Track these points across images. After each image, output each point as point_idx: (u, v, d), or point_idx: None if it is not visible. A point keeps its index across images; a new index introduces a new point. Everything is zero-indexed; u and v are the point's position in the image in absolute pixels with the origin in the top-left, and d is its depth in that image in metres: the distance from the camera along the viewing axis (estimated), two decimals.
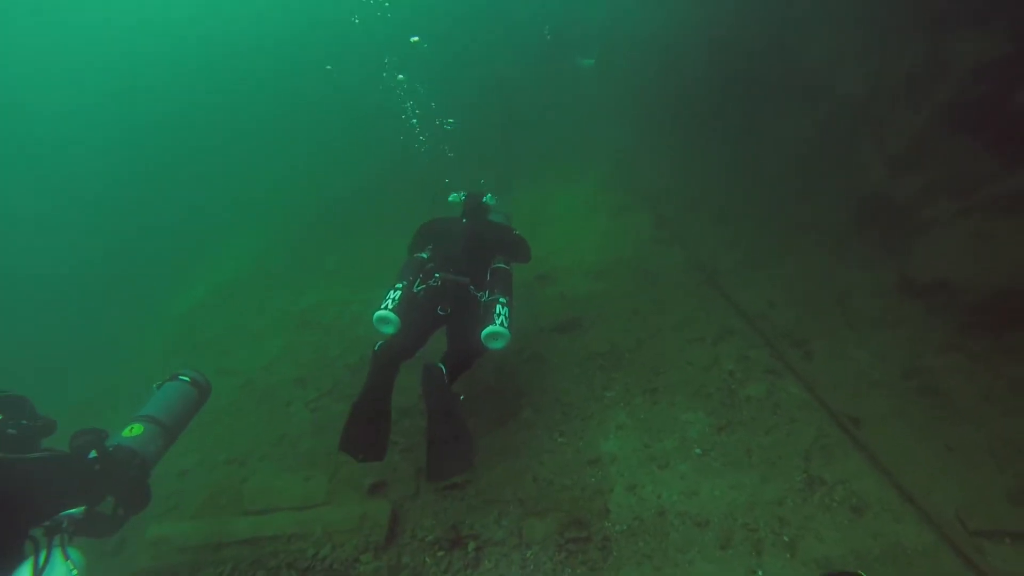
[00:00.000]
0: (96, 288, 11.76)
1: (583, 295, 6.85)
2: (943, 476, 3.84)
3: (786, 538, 3.66)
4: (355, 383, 6.06)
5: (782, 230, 6.80)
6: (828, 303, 5.69)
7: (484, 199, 5.58)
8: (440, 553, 3.85)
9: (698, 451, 4.42)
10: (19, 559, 2.22)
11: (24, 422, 2.55)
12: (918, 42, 5.18)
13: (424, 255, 4.93)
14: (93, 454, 2.62)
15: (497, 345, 4.35)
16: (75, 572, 2.34)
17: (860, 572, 1.59)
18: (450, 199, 5.73)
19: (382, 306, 4.44)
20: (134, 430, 3.01)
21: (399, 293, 4.54)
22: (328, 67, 13.11)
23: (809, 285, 6.02)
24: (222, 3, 18.26)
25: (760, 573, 3.50)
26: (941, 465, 3.92)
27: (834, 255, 6.13)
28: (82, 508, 2.52)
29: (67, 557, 2.33)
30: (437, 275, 4.54)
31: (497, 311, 4.40)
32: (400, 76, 9.16)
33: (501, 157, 6.39)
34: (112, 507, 2.74)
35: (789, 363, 5.09)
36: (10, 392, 2.68)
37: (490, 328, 4.29)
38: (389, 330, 4.46)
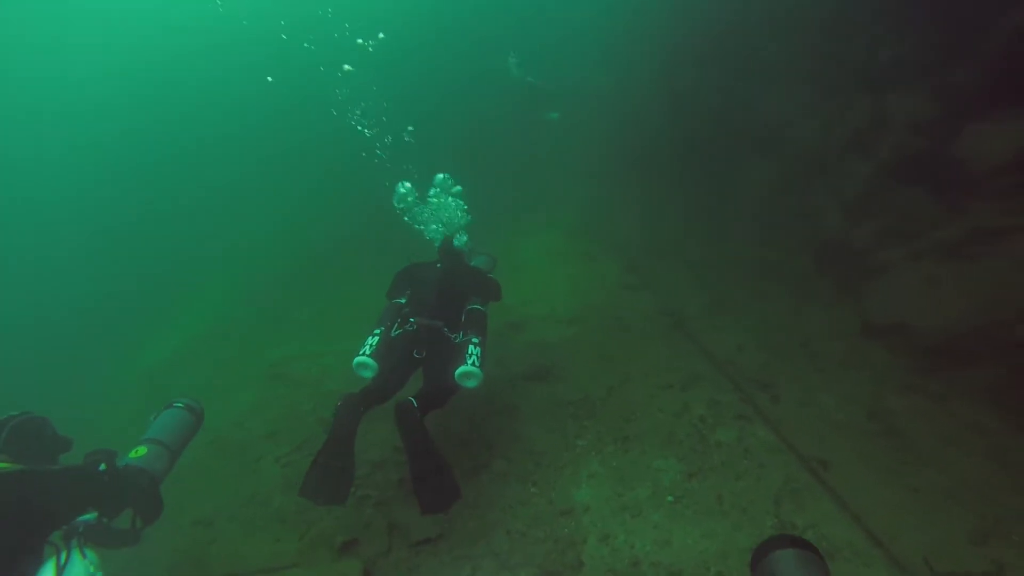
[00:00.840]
0: (62, 340, 11.50)
1: (554, 342, 6.91)
2: (909, 519, 3.90)
3: None
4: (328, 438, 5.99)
5: (747, 275, 6.98)
6: (793, 346, 5.82)
7: (455, 242, 5.74)
8: None
9: (670, 499, 4.43)
10: (41, 559, 2.57)
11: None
12: (863, 99, 5.48)
13: (402, 300, 5.10)
14: (103, 467, 3.03)
15: (470, 384, 4.53)
16: (92, 568, 2.72)
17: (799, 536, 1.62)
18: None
19: (361, 352, 4.62)
20: (139, 451, 3.39)
21: (377, 339, 4.73)
22: (269, 79, 13.06)
23: (775, 328, 6.15)
24: (190, 49, 18.37)
25: None
26: (907, 508, 3.98)
27: (797, 299, 6.30)
28: (94, 515, 2.90)
29: (84, 556, 2.72)
30: (412, 320, 4.75)
31: (470, 351, 4.58)
32: (347, 67, 9.10)
33: (469, 204, 6.55)
34: (131, 520, 3.17)
35: (758, 407, 5.17)
36: (31, 413, 3.13)
37: (462, 368, 4.47)
38: (368, 375, 4.63)
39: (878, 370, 5.15)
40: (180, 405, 3.84)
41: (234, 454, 6.15)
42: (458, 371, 4.49)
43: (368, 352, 4.62)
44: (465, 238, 5.86)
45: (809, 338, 5.79)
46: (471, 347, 4.64)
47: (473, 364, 4.51)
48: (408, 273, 5.38)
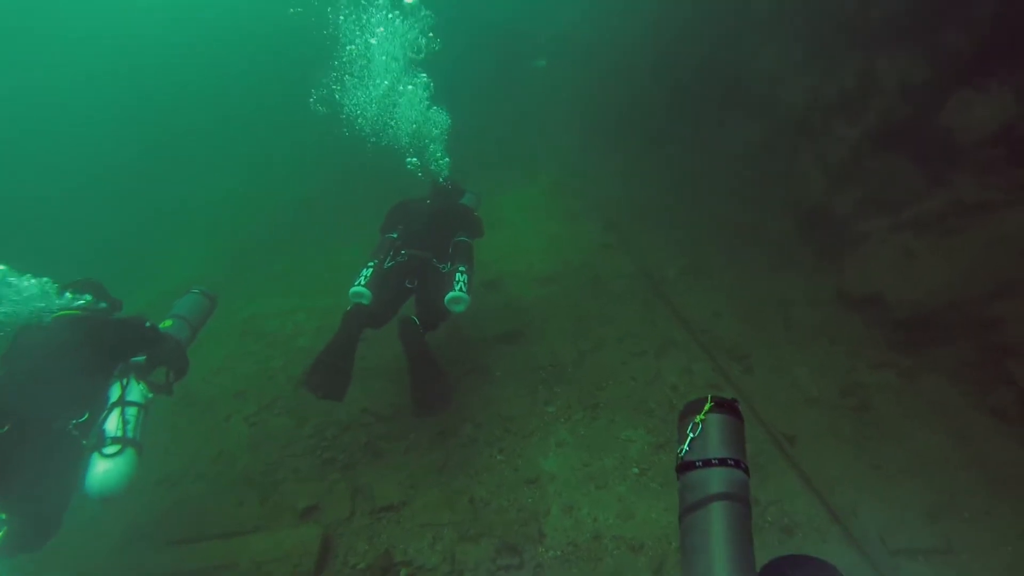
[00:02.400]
0: None
1: (529, 302, 6.81)
2: (869, 494, 3.92)
3: None
4: (297, 397, 5.94)
5: (727, 239, 6.87)
6: (770, 314, 5.76)
7: (440, 179, 6.06)
8: None
9: (636, 470, 4.43)
10: (110, 381, 3.48)
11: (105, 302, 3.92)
12: (853, 60, 5.26)
13: (394, 235, 5.34)
14: (148, 323, 3.93)
15: (458, 308, 4.88)
16: (146, 391, 3.61)
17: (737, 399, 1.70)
18: None
19: (356, 283, 4.89)
20: (166, 323, 4.34)
21: (371, 270, 5.00)
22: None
23: (752, 295, 6.08)
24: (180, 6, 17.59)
25: None
26: (868, 484, 4.00)
27: (776, 265, 6.22)
28: (143, 358, 3.77)
29: (138, 383, 3.57)
30: (404, 251, 5.08)
31: (457, 278, 4.92)
32: None
33: (450, 157, 6.41)
34: (165, 375, 4.00)
35: (730, 378, 5.14)
36: (88, 278, 4.00)
37: (451, 294, 4.83)
38: (364, 303, 4.87)
39: (853, 343, 5.11)
40: (196, 291, 4.78)
41: (203, 411, 6.09)
42: (447, 296, 4.82)
43: (363, 283, 4.88)
44: (446, 173, 6.13)
45: (786, 306, 5.72)
46: (458, 275, 4.95)
47: (460, 290, 4.83)
48: (400, 209, 5.60)
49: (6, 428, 2.94)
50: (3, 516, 2.87)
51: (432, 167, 6.26)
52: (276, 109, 14.98)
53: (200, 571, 3.91)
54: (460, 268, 5.04)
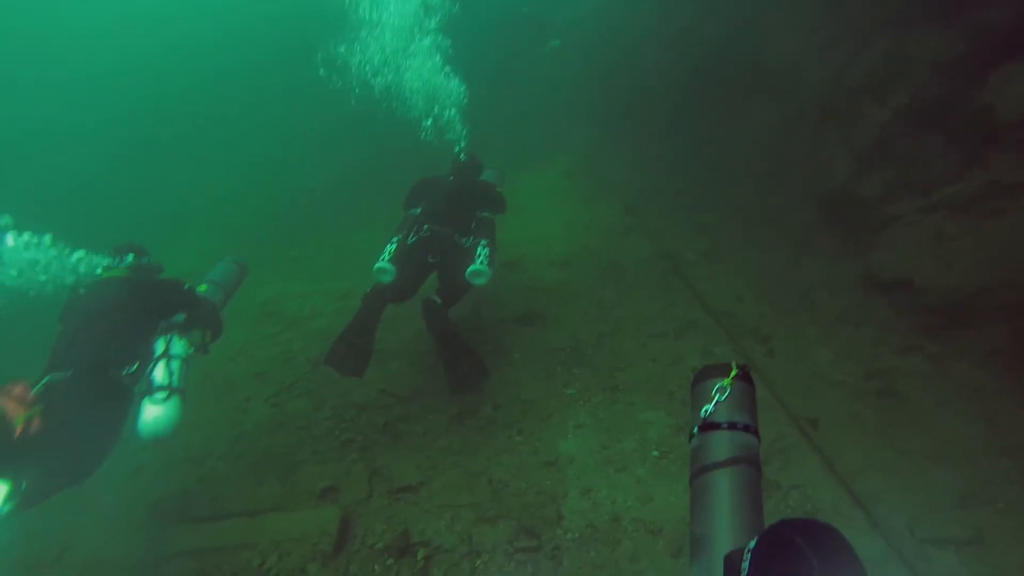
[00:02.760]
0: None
1: (548, 285, 6.76)
2: (896, 481, 3.83)
3: None
4: (316, 379, 5.96)
5: (748, 223, 6.75)
6: (793, 298, 5.66)
7: (461, 157, 6.06)
8: (389, 561, 3.77)
9: (656, 453, 4.38)
10: (155, 337, 3.85)
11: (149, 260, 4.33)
12: (881, 38, 5.09)
13: (417, 211, 5.40)
14: (188, 286, 4.29)
15: (479, 281, 4.96)
16: (188, 346, 3.97)
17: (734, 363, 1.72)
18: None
19: (380, 258, 4.95)
20: (202, 288, 4.63)
21: (394, 246, 5.06)
22: None
23: (774, 279, 5.98)
24: None
25: None
26: (895, 470, 3.91)
27: (799, 249, 6.09)
28: (183, 316, 4.10)
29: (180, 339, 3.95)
30: (426, 227, 5.16)
31: (478, 252, 4.99)
32: None
33: (467, 142, 6.39)
34: (201, 335, 4.30)
35: (752, 361, 5.06)
36: (131, 242, 4.34)
37: (472, 267, 4.90)
38: (387, 279, 4.98)
39: (878, 328, 4.99)
40: (229, 259, 5.20)
41: (223, 392, 6.13)
42: (468, 270, 4.90)
43: (387, 258, 4.95)
44: (463, 144, 6.22)
45: (809, 290, 5.61)
46: (480, 248, 5.02)
47: (481, 263, 4.90)
48: (422, 185, 5.64)
49: (69, 373, 3.37)
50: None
51: (448, 135, 6.37)
52: (287, 93, 15.00)
53: (221, 549, 3.94)
54: (482, 242, 5.11)
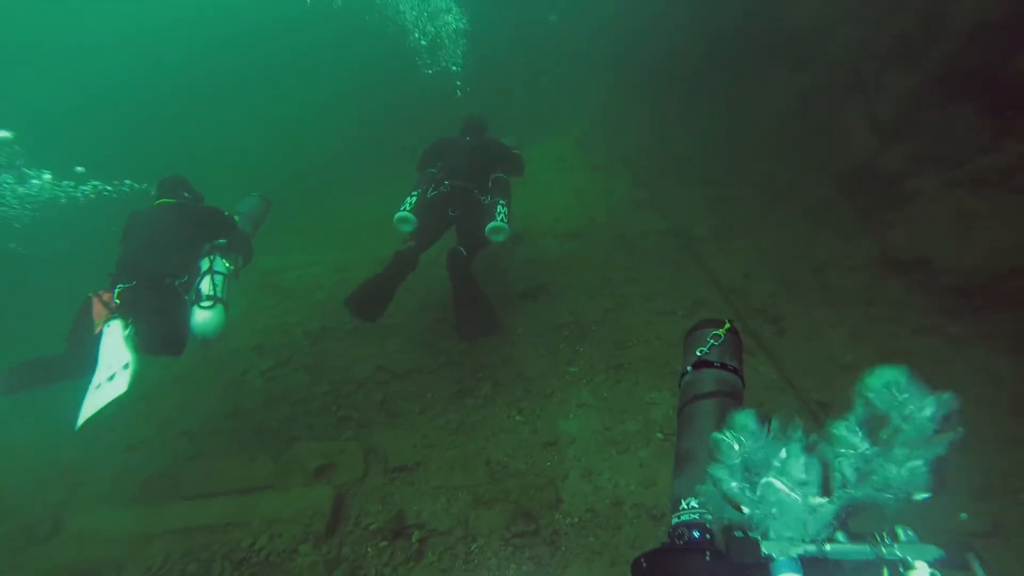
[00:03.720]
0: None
1: (554, 258, 6.58)
2: None
3: None
4: (314, 353, 5.87)
5: (762, 197, 6.50)
6: (805, 276, 5.45)
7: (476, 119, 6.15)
8: (383, 543, 3.67)
9: (660, 435, 4.23)
10: (200, 257, 4.39)
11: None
12: (914, 4, 4.76)
13: (433, 170, 5.55)
14: (228, 213, 4.87)
15: (498, 238, 5.16)
16: (230, 265, 4.47)
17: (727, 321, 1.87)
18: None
19: (401, 208, 5.17)
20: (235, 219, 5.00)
21: (415, 198, 5.26)
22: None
23: (787, 256, 5.77)
24: None
25: None
26: None
27: (814, 225, 5.86)
28: (224, 240, 4.64)
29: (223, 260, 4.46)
30: (447, 182, 5.31)
31: (498, 210, 5.15)
32: None
33: (474, 109, 6.24)
34: (234, 260, 4.65)
35: (761, 341, 4.88)
36: (177, 175, 4.99)
37: (492, 223, 5.06)
38: (407, 228, 5.22)
39: (894, 308, 4.78)
40: (255, 195, 5.68)
41: (220, 365, 6.04)
42: (489, 226, 5.06)
43: (408, 208, 5.15)
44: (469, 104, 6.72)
45: (823, 268, 5.39)
46: (499, 207, 5.18)
47: (502, 220, 5.07)
48: (437, 146, 5.77)
49: (134, 283, 4.02)
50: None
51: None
52: (293, 64, 14.72)
53: (211, 527, 3.85)
54: (500, 201, 5.25)
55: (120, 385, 3.58)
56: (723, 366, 1.72)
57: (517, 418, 4.63)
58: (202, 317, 4.11)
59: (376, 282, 5.12)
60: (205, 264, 4.37)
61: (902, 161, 4.94)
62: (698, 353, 1.77)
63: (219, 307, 4.19)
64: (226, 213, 4.86)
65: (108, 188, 6.67)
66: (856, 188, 5.48)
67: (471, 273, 5.21)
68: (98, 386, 3.64)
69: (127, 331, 3.79)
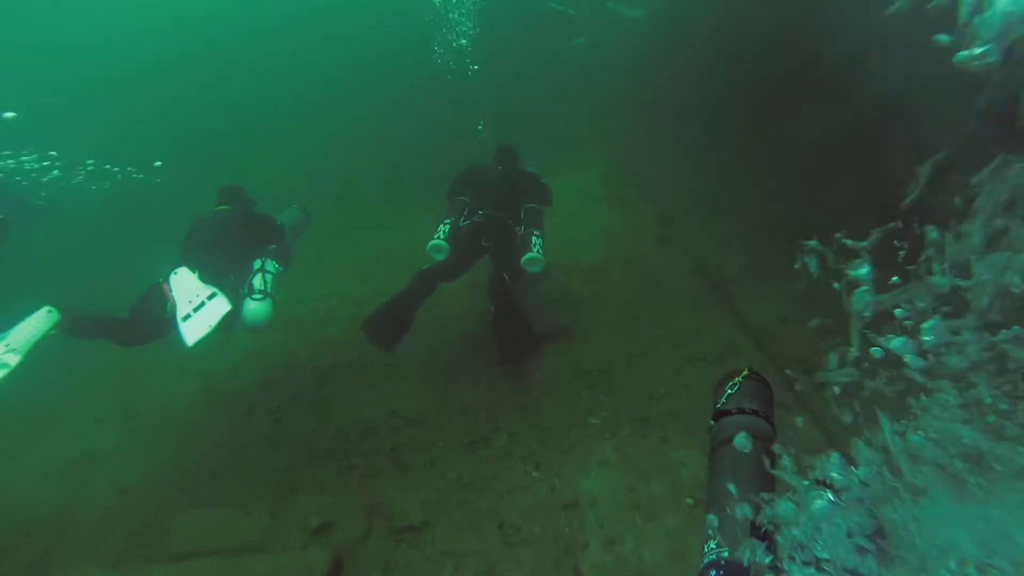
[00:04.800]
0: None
1: (577, 298, 6.25)
2: None
3: None
4: (323, 393, 5.59)
5: (798, 237, 6.13)
6: (845, 322, 5.05)
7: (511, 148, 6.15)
8: None
9: (690, 501, 3.85)
10: (252, 261, 4.90)
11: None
12: None
13: (466, 199, 5.52)
14: (279, 222, 5.53)
15: (535, 269, 5.13)
16: (279, 267, 5.04)
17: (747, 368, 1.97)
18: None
19: (435, 236, 5.19)
20: None
21: (448, 227, 5.26)
22: None
23: (826, 302, 5.37)
24: None
25: None
26: None
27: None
28: (274, 246, 5.17)
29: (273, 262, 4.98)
30: (480, 212, 5.28)
31: (533, 241, 5.13)
32: None
33: (496, 139, 6.09)
34: (276, 267, 5.03)
35: (800, 395, 4.49)
36: (233, 184, 5.62)
37: (528, 255, 5.05)
38: (440, 257, 5.23)
39: None
40: (296, 206, 6.15)
41: (225, 403, 5.79)
42: (525, 257, 5.04)
43: (442, 237, 5.18)
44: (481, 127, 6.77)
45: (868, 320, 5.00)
46: (533, 238, 5.15)
47: (538, 251, 5.05)
48: (468, 175, 5.75)
49: (197, 273, 4.53)
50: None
51: None
52: (309, 89, 14.78)
53: None
54: (535, 232, 5.21)
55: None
56: (740, 411, 1.77)
57: (534, 474, 4.28)
58: (252, 308, 4.64)
59: (394, 303, 5.06)
60: (257, 264, 4.90)
61: (964, 206, 4.55)
62: (718, 406, 1.85)
63: (268, 300, 4.73)
64: (278, 221, 5.48)
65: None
66: (901, 232, 5.10)
67: (514, 299, 5.16)
68: (186, 316, 4.23)
69: (195, 273, 4.47)
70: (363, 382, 5.62)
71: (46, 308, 4.22)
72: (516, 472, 4.31)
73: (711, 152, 7.95)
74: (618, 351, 5.33)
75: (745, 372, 1.94)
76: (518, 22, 12.03)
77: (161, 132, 14.09)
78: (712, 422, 1.82)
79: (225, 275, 4.65)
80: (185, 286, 4.40)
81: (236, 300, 4.61)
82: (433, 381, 5.36)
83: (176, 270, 4.52)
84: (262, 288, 4.74)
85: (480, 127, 9.43)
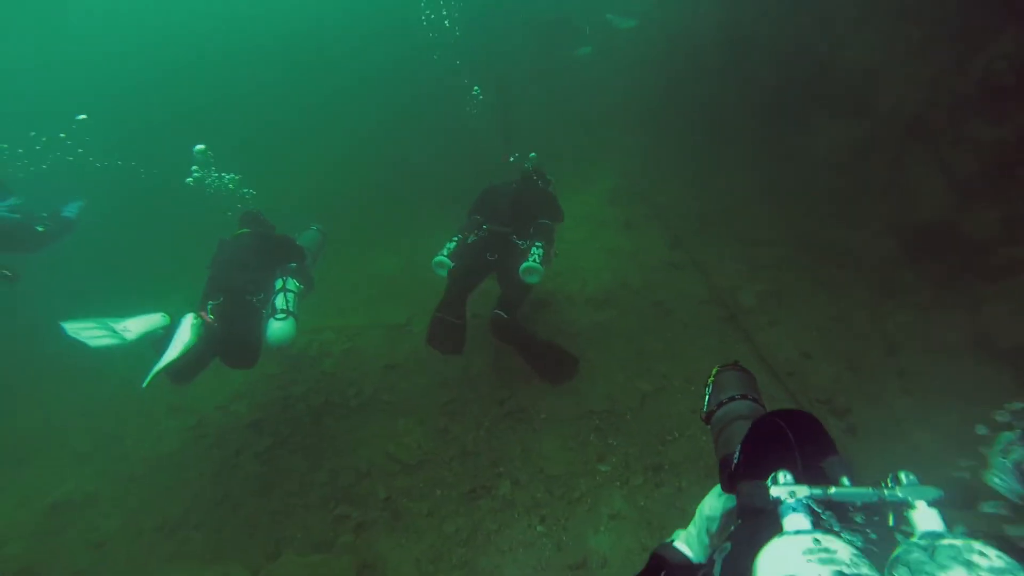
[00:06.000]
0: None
1: (583, 329, 5.91)
2: None
3: None
4: (316, 431, 5.29)
5: (813, 259, 5.82)
6: (875, 357, 4.72)
7: (528, 166, 6.08)
8: None
9: None
10: (274, 280, 5.15)
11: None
12: (1002, 38, 4.13)
13: (479, 216, 5.57)
14: (299, 241, 5.85)
15: (532, 279, 5.06)
16: (300, 286, 5.27)
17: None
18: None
19: (440, 253, 5.27)
20: None
21: (455, 244, 5.36)
22: None
23: (851, 332, 5.04)
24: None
25: None
26: None
27: (879, 294, 5.15)
28: (295, 264, 5.47)
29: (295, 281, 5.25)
30: (485, 227, 5.36)
31: (532, 251, 5.09)
32: None
33: (495, 159, 5.83)
34: (297, 286, 5.24)
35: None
36: (253, 209, 5.85)
37: (524, 264, 4.99)
38: (443, 273, 5.27)
39: (997, 401, 4.01)
40: (314, 227, 6.48)
41: (213, 444, 5.50)
42: (522, 266, 4.98)
43: (446, 253, 5.26)
44: (533, 154, 6.33)
45: (897, 349, 4.66)
46: (534, 249, 5.12)
47: (534, 261, 4.99)
48: (488, 191, 5.79)
49: (221, 299, 4.78)
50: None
51: None
52: (317, 108, 14.61)
53: None
54: (537, 243, 5.18)
55: (172, 352, 4.26)
56: (720, 404, 1.88)
57: (538, 528, 3.95)
58: (276, 327, 4.79)
59: (444, 310, 5.03)
60: (279, 284, 5.13)
61: (993, 225, 4.24)
62: (703, 411, 1.96)
63: (291, 320, 4.89)
64: (298, 242, 5.75)
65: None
66: (930, 253, 4.78)
67: (521, 329, 5.09)
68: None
69: (196, 321, 4.48)
70: (359, 420, 5.31)
71: (161, 313, 4.62)
72: (519, 526, 3.97)
73: (721, 173, 7.64)
74: (628, 389, 4.99)
75: (716, 370, 2.06)
76: (523, 31, 11.83)
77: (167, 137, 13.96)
78: (709, 427, 1.89)
79: (244, 294, 4.85)
80: (182, 330, 4.44)
81: (261, 321, 4.86)
82: (431, 422, 5.04)
83: (186, 314, 4.55)
84: (284, 307, 4.91)
85: (476, 89, 9.61)
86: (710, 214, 7.28)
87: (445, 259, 5.22)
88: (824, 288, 5.61)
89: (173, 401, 6.27)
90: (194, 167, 6.49)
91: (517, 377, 5.27)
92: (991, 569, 0.90)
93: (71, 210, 6.34)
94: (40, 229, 5.75)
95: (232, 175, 7.17)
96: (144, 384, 4.15)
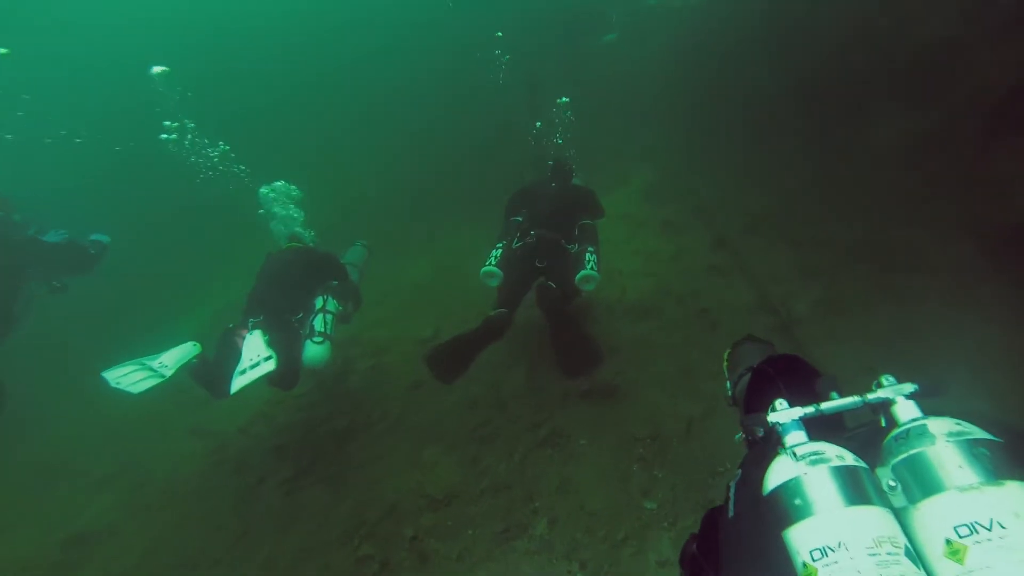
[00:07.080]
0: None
1: (623, 342, 5.49)
2: None
3: None
4: (340, 459, 5.00)
5: (876, 264, 5.28)
6: (957, 376, 4.19)
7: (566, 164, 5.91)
8: None
9: None
10: (315, 297, 5.11)
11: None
12: None
13: (519, 218, 5.41)
14: (346, 257, 6.05)
15: (589, 287, 5.00)
16: (339, 305, 5.29)
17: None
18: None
19: (487, 262, 5.06)
20: None
21: (500, 251, 5.17)
22: None
23: (921, 345, 4.52)
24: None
25: None
26: None
27: (957, 305, 4.61)
28: (336, 282, 5.42)
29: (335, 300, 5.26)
30: (532, 232, 5.12)
31: (587, 258, 5.02)
32: None
33: (524, 154, 5.47)
34: (345, 308, 5.44)
35: None
36: (297, 231, 6.00)
37: (582, 272, 4.93)
38: (494, 283, 5.11)
39: None
40: (360, 243, 6.44)
41: (234, 470, 5.26)
42: (579, 275, 4.92)
43: (493, 262, 5.05)
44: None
45: (983, 368, 4.13)
46: (587, 255, 5.05)
47: (592, 268, 4.93)
48: (524, 193, 5.60)
49: (261, 317, 4.74)
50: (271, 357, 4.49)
51: None
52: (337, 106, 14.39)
53: None
54: (589, 248, 5.11)
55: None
56: (740, 376, 1.92)
57: (579, 574, 3.57)
58: (312, 351, 4.78)
59: (460, 341, 4.91)
60: (319, 303, 5.05)
61: None
62: (729, 395, 2.05)
63: (327, 344, 4.86)
64: (342, 260, 5.75)
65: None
66: (1020, 260, 4.25)
67: (566, 310, 5.08)
68: (242, 371, 4.36)
69: (265, 337, 4.57)
70: (384, 447, 5.01)
71: (192, 342, 4.62)
72: (558, 572, 3.60)
73: (768, 166, 7.09)
74: (674, 412, 4.57)
75: (727, 352, 2.15)
76: (549, 19, 11.40)
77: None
78: (741, 417, 1.76)
79: (283, 311, 4.85)
80: (253, 345, 4.53)
81: (298, 341, 4.83)
82: (460, 450, 4.69)
83: (251, 331, 4.64)
84: (322, 330, 4.87)
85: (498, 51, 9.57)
86: (755, 212, 6.76)
87: (495, 269, 5.03)
88: (888, 295, 5.07)
89: (194, 423, 6.06)
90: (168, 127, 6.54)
91: (552, 399, 4.90)
92: (948, 433, 1.10)
93: (102, 236, 6.20)
94: (93, 252, 5.70)
95: (223, 145, 7.26)
96: (232, 392, 4.31)
